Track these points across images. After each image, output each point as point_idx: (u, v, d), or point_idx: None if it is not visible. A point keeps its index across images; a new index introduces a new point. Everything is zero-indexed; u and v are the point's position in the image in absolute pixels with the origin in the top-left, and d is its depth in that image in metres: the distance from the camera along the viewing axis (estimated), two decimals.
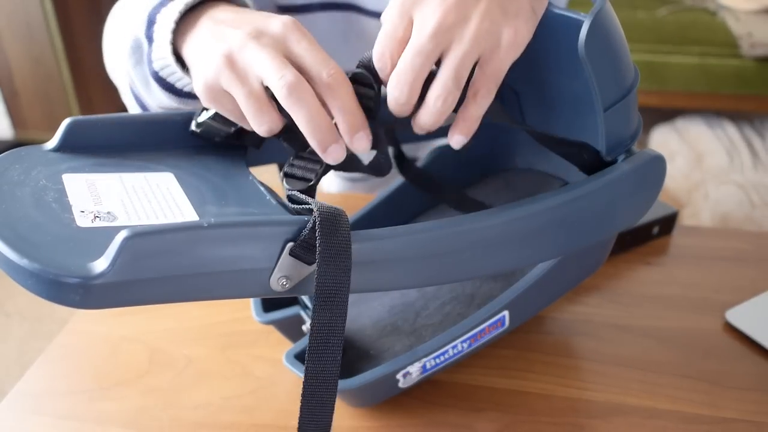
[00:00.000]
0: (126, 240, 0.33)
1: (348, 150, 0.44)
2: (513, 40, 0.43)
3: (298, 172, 0.46)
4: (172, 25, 0.52)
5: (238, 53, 0.44)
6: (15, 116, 2.47)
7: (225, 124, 0.50)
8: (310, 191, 0.45)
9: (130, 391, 0.57)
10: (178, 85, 0.56)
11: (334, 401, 0.40)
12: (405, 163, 0.65)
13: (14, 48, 2.32)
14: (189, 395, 0.57)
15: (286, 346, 0.55)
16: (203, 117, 0.50)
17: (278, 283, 0.38)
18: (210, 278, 0.36)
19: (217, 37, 0.46)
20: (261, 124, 0.44)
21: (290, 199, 0.43)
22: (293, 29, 0.45)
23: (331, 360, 0.39)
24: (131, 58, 0.60)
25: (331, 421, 0.40)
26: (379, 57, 0.44)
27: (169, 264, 0.35)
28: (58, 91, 2.39)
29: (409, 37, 0.43)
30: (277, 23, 0.45)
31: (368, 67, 0.46)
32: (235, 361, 0.60)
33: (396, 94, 0.43)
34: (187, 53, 0.51)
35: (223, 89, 0.45)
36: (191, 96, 0.58)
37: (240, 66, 0.44)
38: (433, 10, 0.42)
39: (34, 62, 2.34)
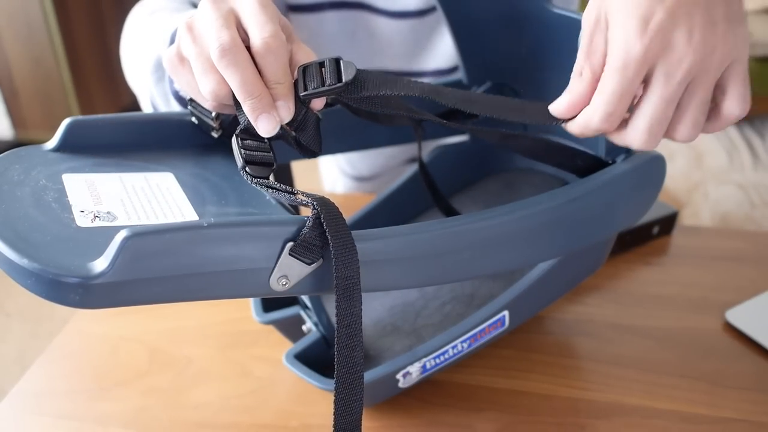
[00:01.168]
0: (126, 240, 0.33)
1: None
2: (735, 45, 0.40)
3: (257, 156, 0.44)
4: None
5: (196, 19, 0.44)
6: (15, 116, 2.47)
7: (204, 114, 0.49)
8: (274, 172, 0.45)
9: (130, 391, 0.57)
10: None
11: (363, 389, 0.40)
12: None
13: (14, 48, 2.33)
14: (189, 395, 0.57)
15: (286, 346, 0.55)
16: (189, 106, 0.50)
17: (278, 282, 0.38)
18: (210, 278, 0.36)
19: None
20: (205, 84, 0.43)
21: (267, 186, 0.41)
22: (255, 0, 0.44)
23: (358, 347, 0.40)
24: (153, 74, 0.61)
25: (362, 409, 0.41)
26: (609, 115, 0.41)
27: (168, 264, 0.35)
28: (58, 91, 2.39)
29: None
30: None
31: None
32: (235, 361, 0.60)
33: (601, 120, 0.41)
34: None
35: (181, 57, 0.46)
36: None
37: (196, 31, 0.44)
38: (683, 53, 0.38)
39: (34, 62, 2.34)
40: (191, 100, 0.49)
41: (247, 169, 0.42)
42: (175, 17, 0.58)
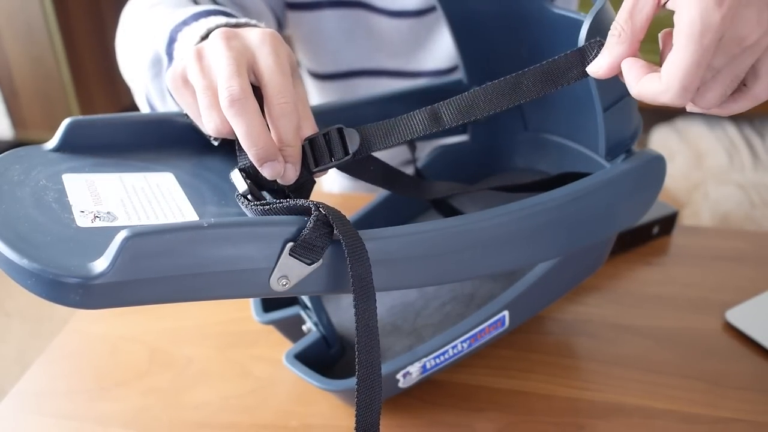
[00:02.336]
0: (126, 240, 0.33)
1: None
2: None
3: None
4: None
5: (207, 49, 0.45)
6: (15, 116, 2.47)
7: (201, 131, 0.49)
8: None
9: (130, 391, 0.57)
10: None
11: (381, 388, 0.41)
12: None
13: (14, 48, 2.32)
14: (189, 395, 0.57)
15: (286, 346, 0.55)
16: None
17: (278, 283, 0.38)
18: (210, 278, 0.36)
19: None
20: (209, 120, 0.44)
21: (265, 207, 0.41)
22: (269, 41, 0.45)
23: (376, 347, 0.40)
24: (150, 70, 0.61)
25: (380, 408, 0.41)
26: (685, 90, 0.39)
27: (169, 264, 0.35)
28: (58, 91, 2.39)
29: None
30: (256, 32, 0.46)
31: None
32: (235, 361, 0.60)
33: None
34: None
35: (187, 80, 0.46)
36: None
37: (205, 62, 0.45)
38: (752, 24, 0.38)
39: (34, 62, 2.34)
40: (186, 116, 0.49)
41: (248, 197, 0.43)
42: (176, 13, 0.58)
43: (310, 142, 0.45)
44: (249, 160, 0.43)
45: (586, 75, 0.44)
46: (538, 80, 0.45)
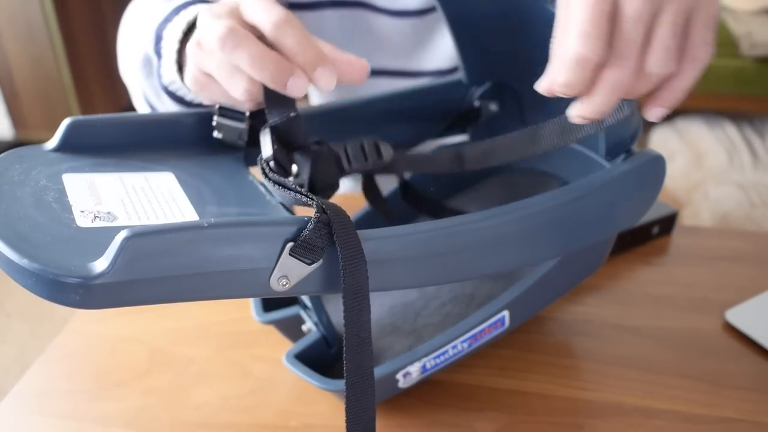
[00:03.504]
0: (126, 240, 0.33)
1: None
2: None
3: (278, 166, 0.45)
4: (176, 45, 0.53)
5: (201, 34, 0.45)
6: (15, 116, 2.47)
7: (234, 119, 0.49)
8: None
9: (130, 391, 0.57)
10: (188, 97, 0.58)
11: (374, 393, 0.40)
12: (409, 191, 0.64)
13: (14, 48, 2.33)
14: (189, 395, 0.57)
15: (286, 346, 0.55)
16: (215, 119, 0.50)
17: (278, 283, 0.38)
18: (210, 278, 0.36)
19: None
20: (236, 88, 0.43)
21: (282, 185, 0.41)
22: None
23: (367, 353, 0.40)
24: (142, 70, 0.62)
25: (375, 411, 0.41)
26: (591, 31, 0.36)
27: (169, 264, 0.35)
28: (58, 91, 2.39)
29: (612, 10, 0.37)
30: None
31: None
32: (235, 361, 0.60)
33: (625, 64, 0.37)
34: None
35: (204, 73, 0.46)
36: (201, 106, 0.60)
37: (204, 44, 0.45)
38: None
39: (34, 62, 2.34)
40: (220, 109, 0.49)
41: (271, 164, 0.42)
42: (160, 10, 0.58)
43: (348, 146, 0.45)
44: (278, 115, 0.42)
45: (601, 129, 0.43)
46: (555, 133, 0.45)
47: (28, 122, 2.47)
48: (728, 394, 0.56)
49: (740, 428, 0.53)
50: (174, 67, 0.55)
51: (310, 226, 0.38)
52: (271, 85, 0.42)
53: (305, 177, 0.47)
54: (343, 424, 0.53)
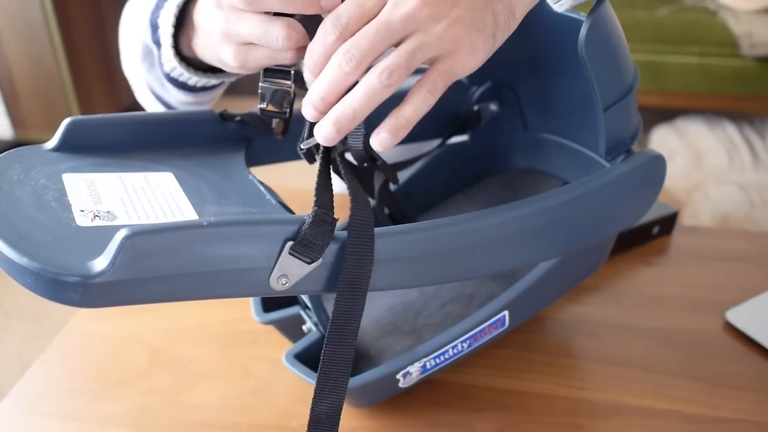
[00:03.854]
0: (126, 239, 0.33)
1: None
2: (471, 54, 0.41)
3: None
4: (170, 30, 0.54)
5: (219, 7, 0.47)
6: (15, 116, 2.47)
7: (281, 77, 0.49)
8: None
9: (130, 391, 0.57)
10: (190, 82, 0.59)
11: (346, 384, 0.41)
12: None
13: (14, 48, 2.32)
14: (189, 395, 0.57)
15: (286, 346, 0.55)
16: (260, 86, 0.50)
17: (278, 282, 0.38)
18: (210, 277, 0.36)
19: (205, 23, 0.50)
20: (276, 37, 0.44)
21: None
22: None
23: (347, 345, 0.40)
24: (144, 62, 0.62)
25: (342, 404, 0.41)
26: (337, 17, 0.41)
27: (168, 263, 0.35)
28: (58, 91, 2.39)
29: (375, 14, 0.41)
30: None
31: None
32: (235, 361, 0.60)
33: (343, 61, 0.39)
34: (197, 48, 0.53)
35: (241, 44, 0.47)
36: (206, 89, 0.60)
37: (229, 13, 0.46)
38: None
39: (34, 62, 2.34)
40: (265, 72, 0.49)
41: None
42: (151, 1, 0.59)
43: None
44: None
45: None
46: None
47: (27, 122, 2.47)
48: (728, 394, 0.56)
49: (740, 428, 0.53)
50: (172, 52, 0.55)
51: (307, 222, 0.38)
52: (307, 9, 0.43)
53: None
54: (344, 424, 0.53)
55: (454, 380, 0.57)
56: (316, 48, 0.41)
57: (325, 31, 0.41)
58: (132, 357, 0.61)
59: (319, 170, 0.42)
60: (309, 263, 0.39)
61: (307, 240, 0.38)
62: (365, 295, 0.40)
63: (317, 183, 0.41)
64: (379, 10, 0.41)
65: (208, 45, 0.51)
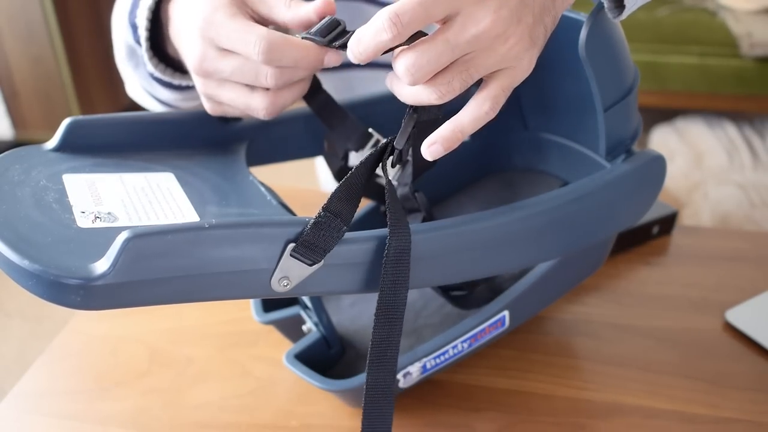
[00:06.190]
0: (127, 241, 0.33)
1: None
2: (528, 69, 0.43)
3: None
4: (145, 33, 0.54)
5: (219, 36, 0.47)
6: (15, 116, 2.46)
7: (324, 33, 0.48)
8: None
9: (130, 391, 0.57)
10: (174, 82, 0.58)
11: (392, 410, 0.42)
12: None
13: (14, 48, 2.32)
14: (189, 395, 0.57)
15: (286, 346, 0.55)
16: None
17: (279, 283, 0.38)
18: (211, 279, 0.36)
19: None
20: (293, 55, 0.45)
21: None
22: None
23: (388, 371, 0.41)
24: (130, 62, 0.62)
25: (390, 429, 0.42)
26: (398, 15, 0.38)
27: (170, 265, 0.35)
28: (58, 91, 2.38)
29: (437, 18, 0.39)
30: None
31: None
32: (235, 361, 0.60)
33: (403, 77, 0.39)
34: (178, 48, 0.53)
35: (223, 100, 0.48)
36: (189, 88, 0.60)
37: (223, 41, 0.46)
38: (485, 14, 0.39)
39: (34, 62, 2.34)
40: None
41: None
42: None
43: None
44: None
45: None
46: None
47: (28, 122, 2.47)
48: (728, 394, 0.56)
49: (740, 428, 0.53)
50: (148, 55, 0.55)
51: (309, 225, 0.38)
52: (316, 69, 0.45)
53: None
54: (344, 424, 0.53)
55: (454, 380, 0.57)
56: (365, 39, 0.39)
57: (381, 27, 0.38)
58: (132, 357, 0.61)
59: (349, 181, 0.41)
60: (310, 265, 0.39)
61: (309, 242, 0.38)
62: (402, 321, 0.40)
63: (342, 193, 0.40)
64: (443, 17, 0.39)
65: (183, 48, 0.51)
